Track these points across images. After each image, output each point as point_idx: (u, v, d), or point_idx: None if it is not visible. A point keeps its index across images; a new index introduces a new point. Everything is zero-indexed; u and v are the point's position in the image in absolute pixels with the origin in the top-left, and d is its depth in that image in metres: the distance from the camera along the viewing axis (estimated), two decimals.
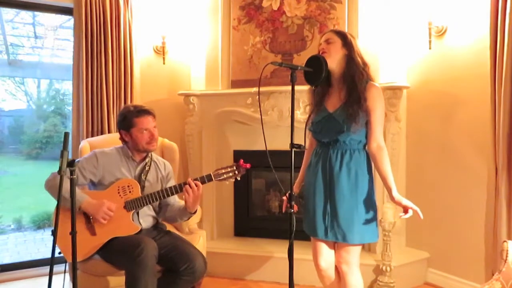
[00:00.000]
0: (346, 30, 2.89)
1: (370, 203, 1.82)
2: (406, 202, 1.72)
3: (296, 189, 2.05)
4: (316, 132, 1.91)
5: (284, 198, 1.97)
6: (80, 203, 2.08)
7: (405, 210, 1.71)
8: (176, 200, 2.35)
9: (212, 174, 2.13)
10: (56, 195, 1.76)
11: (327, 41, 1.85)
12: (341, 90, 1.85)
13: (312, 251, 1.95)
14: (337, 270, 1.93)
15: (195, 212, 2.20)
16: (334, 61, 1.81)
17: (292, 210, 1.65)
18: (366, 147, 1.85)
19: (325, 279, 1.95)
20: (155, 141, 2.27)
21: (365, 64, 1.84)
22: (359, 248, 1.86)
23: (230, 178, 2.14)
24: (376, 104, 1.78)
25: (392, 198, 1.76)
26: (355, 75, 1.79)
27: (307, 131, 1.92)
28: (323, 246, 1.91)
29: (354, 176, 1.80)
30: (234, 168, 2.13)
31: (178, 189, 2.14)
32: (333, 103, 1.87)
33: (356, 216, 1.79)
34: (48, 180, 2.14)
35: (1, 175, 5.12)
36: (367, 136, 1.82)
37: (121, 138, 2.29)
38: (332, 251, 1.92)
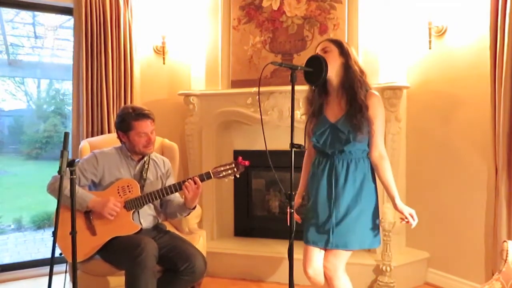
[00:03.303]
0: (346, 30, 2.91)
1: (373, 211, 1.83)
2: (408, 210, 1.76)
3: (298, 199, 2.05)
4: (319, 143, 1.87)
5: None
6: (87, 202, 2.10)
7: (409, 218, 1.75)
8: (176, 196, 2.35)
9: (211, 172, 2.14)
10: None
11: (324, 50, 1.84)
12: (340, 99, 1.84)
13: (303, 257, 1.93)
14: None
15: (194, 208, 2.22)
16: (332, 70, 1.80)
17: (292, 210, 1.65)
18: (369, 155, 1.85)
19: (316, 284, 1.94)
20: (152, 144, 2.28)
21: (362, 72, 1.83)
22: (348, 253, 1.86)
23: (229, 176, 2.15)
24: (377, 113, 1.79)
25: (395, 206, 1.79)
26: (354, 83, 1.78)
27: (307, 140, 1.91)
28: (315, 254, 1.88)
29: (359, 185, 1.81)
30: (233, 165, 2.14)
31: (178, 187, 2.15)
32: (334, 113, 1.86)
33: (358, 224, 1.80)
34: (50, 183, 2.15)
35: (1, 175, 5.12)
36: (369, 144, 1.83)
37: (119, 138, 2.30)
38: (321, 258, 1.90)
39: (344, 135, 1.79)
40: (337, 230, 1.81)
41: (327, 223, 1.83)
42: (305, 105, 1.98)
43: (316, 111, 1.90)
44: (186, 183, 2.10)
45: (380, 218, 2.57)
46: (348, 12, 2.93)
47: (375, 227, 1.84)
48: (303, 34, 3.05)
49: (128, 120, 2.20)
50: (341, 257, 1.84)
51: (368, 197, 1.82)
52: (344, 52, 1.82)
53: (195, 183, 2.10)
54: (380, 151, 1.80)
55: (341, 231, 1.80)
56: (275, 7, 3.11)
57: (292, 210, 1.64)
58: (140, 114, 2.21)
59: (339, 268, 1.84)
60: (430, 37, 2.79)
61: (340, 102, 1.84)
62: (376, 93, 1.84)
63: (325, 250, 1.88)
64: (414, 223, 1.74)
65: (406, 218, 1.75)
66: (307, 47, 3.04)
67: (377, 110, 1.79)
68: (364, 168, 1.83)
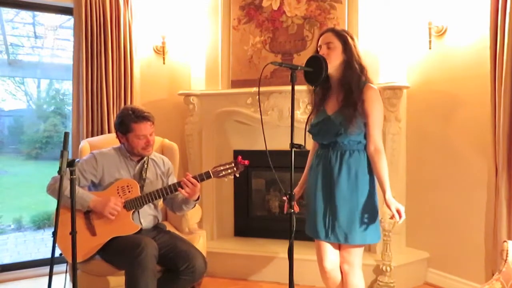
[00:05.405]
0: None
1: (371, 204, 1.82)
2: (395, 206, 1.72)
3: (299, 190, 2.05)
4: (314, 134, 1.91)
5: (285, 198, 1.98)
6: (88, 202, 2.10)
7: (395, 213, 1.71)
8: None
9: (211, 172, 2.14)
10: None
11: (328, 45, 1.83)
12: (339, 94, 1.85)
13: (316, 253, 1.94)
14: (341, 270, 1.93)
15: (198, 199, 2.22)
16: (333, 66, 1.81)
17: (292, 210, 1.65)
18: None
19: (330, 281, 1.93)
20: (151, 147, 2.27)
21: (363, 67, 1.83)
22: (361, 249, 1.86)
23: (229, 175, 2.15)
24: (373, 107, 1.78)
25: (385, 201, 1.76)
26: (352, 81, 1.79)
27: (307, 133, 1.92)
28: (327, 247, 1.90)
29: (354, 176, 1.80)
30: (233, 165, 2.14)
31: (176, 187, 2.15)
32: (332, 106, 1.87)
33: (357, 217, 1.79)
34: (49, 184, 2.15)
35: (1, 175, 5.11)
36: (365, 137, 1.82)
37: (118, 139, 2.30)
38: (337, 251, 1.91)
39: (336, 126, 1.79)
40: (336, 223, 1.81)
41: (324, 215, 1.85)
42: (308, 97, 2.00)
43: (317, 104, 1.92)
44: (182, 183, 2.11)
45: (380, 218, 2.58)
46: (348, 12, 2.93)
47: (375, 221, 1.82)
48: (303, 34, 3.05)
49: (127, 122, 2.19)
50: (354, 253, 1.84)
51: (365, 189, 1.81)
52: (347, 49, 1.82)
53: (191, 183, 2.10)
54: (376, 145, 1.78)
55: (340, 224, 1.80)
56: (275, 7, 3.11)
57: (292, 210, 1.64)
58: (139, 117, 2.19)
59: (355, 264, 1.85)
60: (430, 37, 2.79)
61: (338, 96, 1.85)
62: (374, 86, 1.82)
63: (339, 246, 1.89)
64: (400, 220, 1.70)
65: (394, 215, 1.71)
66: (307, 47, 3.04)
67: (373, 104, 1.78)
68: (359, 159, 1.81)
